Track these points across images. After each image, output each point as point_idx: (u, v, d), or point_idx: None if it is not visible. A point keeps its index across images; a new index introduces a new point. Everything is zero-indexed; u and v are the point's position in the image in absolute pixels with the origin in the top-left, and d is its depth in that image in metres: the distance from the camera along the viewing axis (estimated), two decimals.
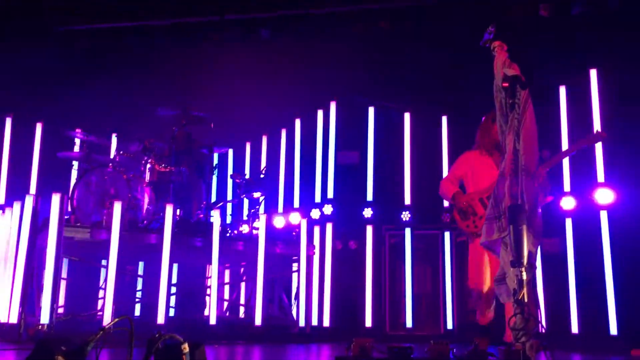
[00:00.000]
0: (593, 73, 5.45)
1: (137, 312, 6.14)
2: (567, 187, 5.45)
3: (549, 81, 5.61)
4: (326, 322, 5.60)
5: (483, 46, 2.76)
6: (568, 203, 5.40)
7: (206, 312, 5.79)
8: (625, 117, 5.42)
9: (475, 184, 4.52)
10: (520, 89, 2.24)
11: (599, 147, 5.30)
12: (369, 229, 6.02)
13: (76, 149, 6.09)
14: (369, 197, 6.20)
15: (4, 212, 5.07)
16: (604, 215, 5.25)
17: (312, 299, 5.51)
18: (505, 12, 6.40)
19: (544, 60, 5.82)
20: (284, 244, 5.71)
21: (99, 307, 5.48)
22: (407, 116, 6.33)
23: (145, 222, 5.50)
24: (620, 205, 5.23)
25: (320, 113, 6.54)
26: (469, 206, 4.37)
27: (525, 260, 2.14)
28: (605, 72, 5.47)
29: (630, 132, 5.42)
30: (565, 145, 5.45)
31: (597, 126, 4.87)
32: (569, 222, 5.40)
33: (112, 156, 6.10)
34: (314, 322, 5.50)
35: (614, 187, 5.25)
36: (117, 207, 4.78)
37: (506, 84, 2.27)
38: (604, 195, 5.24)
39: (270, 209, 6.48)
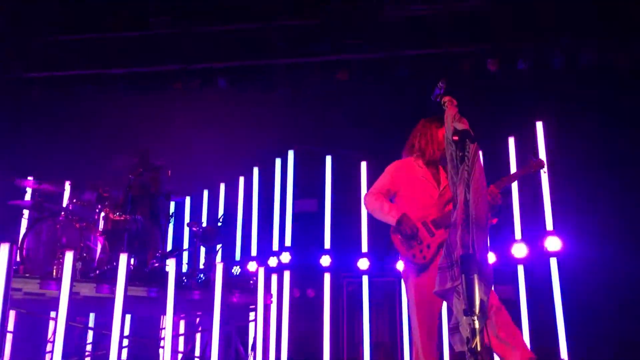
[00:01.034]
0: (539, 125, 5.71)
1: None
2: (518, 235, 5.61)
3: (498, 132, 5.85)
4: None
5: (434, 100, 2.89)
6: (519, 250, 5.56)
7: None
8: (569, 167, 5.68)
9: (411, 201, 3.72)
10: (469, 142, 2.35)
11: (546, 195, 5.51)
12: (327, 277, 6.03)
13: (27, 197, 5.95)
14: (327, 244, 6.23)
15: None
16: (553, 262, 5.41)
17: (269, 349, 5.43)
18: (454, 66, 6.70)
19: (492, 112, 6.08)
20: (241, 293, 5.64)
21: None
22: (363, 165, 6.45)
23: (97, 271, 5.36)
24: (568, 251, 5.41)
25: (278, 161, 6.60)
26: (414, 233, 3.56)
27: (477, 309, 2.20)
28: (549, 124, 5.75)
29: (574, 181, 5.67)
30: (515, 195, 5.65)
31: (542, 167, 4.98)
32: (520, 269, 5.54)
33: (64, 204, 5.98)
34: None
35: (561, 235, 5.44)
36: (69, 257, 4.65)
37: (456, 138, 2.37)
38: (553, 243, 5.42)
39: (227, 257, 6.42)
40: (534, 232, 5.59)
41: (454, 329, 2.45)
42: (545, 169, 3.70)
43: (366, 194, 3.86)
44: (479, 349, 2.20)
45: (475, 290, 2.19)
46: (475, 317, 2.19)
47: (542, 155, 5.57)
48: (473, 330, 2.20)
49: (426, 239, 3.54)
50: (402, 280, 3.83)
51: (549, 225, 5.49)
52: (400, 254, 3.68)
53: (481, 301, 2.23)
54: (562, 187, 5.47)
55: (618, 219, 5.71)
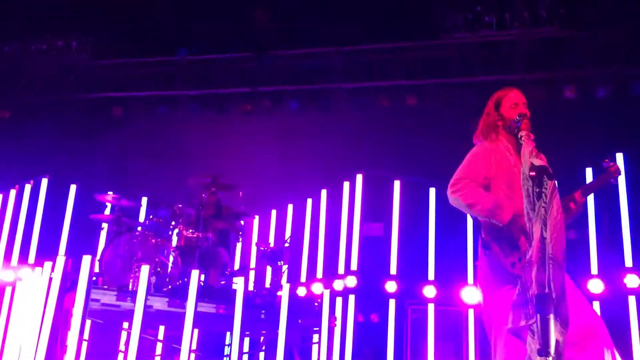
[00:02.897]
0: (619, 156, 5.49)
1: None
2: (594, 270, 5.40)
3: (576, 163, 5.67)
4: None
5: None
6: (596, 286, 5.34)
7: None
8: None
9: (508, 197, 2.99)
10: (547, 178, 2.31)
11: (626, 229, 5.28)
12: (392, 303, 5.98)
13: (107, 212, 6.25)
14: (393, 270, 6.20)
15: (34, 270, 5.18)
16: (632, 300, 5.17)
17: None
18: (529, 93, 6.56)
19: (569, 142, 5.90)
20: (305, 314, 5.69)
21: None
22: (432, 191, 6.40)
23: (170, 286, 5.55)
24: None
25: (346, 185, 6.64)
26: (519, 237, 2.85)
27: (552, 350, 2.14)
28: (630, 155, 5.52)
29: None
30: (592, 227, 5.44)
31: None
32: (596, 305, 5.32)
33: (141, 220, 6.24)
34: None
35: None
36: (145, 271, 4.84)
37: (533, 173, 2.34)
38: (632, 280, 5.18)
39: (293, 279, 6.49)
40: (610, 267, 5.36)
41: None
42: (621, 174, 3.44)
43: (455, 183, 3.07)
44: None
45: (551, 330, 2.14)
46: (550, 358, 2.13)
47: (622, 187, 5.35)
48: None
49: (523, 246, 2.81)
50: (482, 293, 3.03)
51: (628, 261, 5.26)
52: (493, 259, 2.93)
53: (556, 341, 2.17)
54: None
55: None
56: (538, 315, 2.16)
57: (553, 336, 2.18)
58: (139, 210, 6.60)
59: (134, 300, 4.77)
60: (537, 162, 2.35)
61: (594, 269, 5.39)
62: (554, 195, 2.39)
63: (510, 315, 2.43)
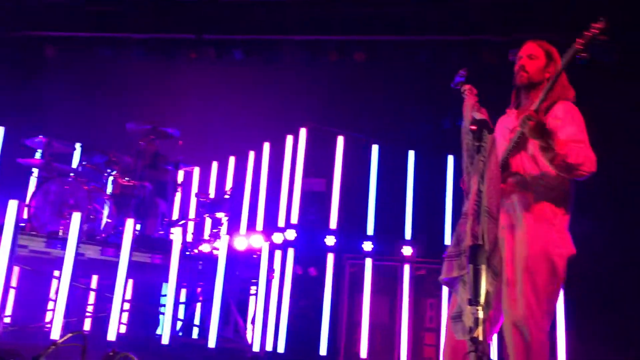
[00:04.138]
0: None
1: (86, 327, 5.99)
2: None
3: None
4: (281, 348, 5.56)
5: (454, 88, 2.85)
6: None
7: (158, 331, 5.68)
8: None
9: None
10: (487, 132, 2.32)
11: None
12: (330, 257, 6.03)
13: (37, 156, 5.97)
14: (332, 225, 6.23)
15: None
16: None
17: (268, 324, 5.46)
18: (476, 56, 6.63)
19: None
20: (244, 266, 5.67)
21: (47, 319, 5.32)
22: (375, 147, 6.41)
23: (103, 235, 5.40)
24: None
25: (289, 139, 6.57)
26: None
27: (482, 299, 2.19)
28: None
29: None
30: None
31: None
32: None
33: (74, 166, 6.00)
34: (269, 347, 5.45)
35: None
36: (76, 218, 4.68)
37: (474, 127, 2.34)
38: None
39: (233, 231, 6.44)
40: None
41: (456, 318, 2.45)
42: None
43: (589, 154, 2.80)
44: (480, 338, 2.21)
45: (482, 280, 2.18)
46: (480, 307, 2.19)
47: None
48: (476, 320, 2.20)
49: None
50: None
51: None
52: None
53: (487, 292, 2.22)
54: None
55: None
56: (471, 266, 2.20)
57: (484, 287, 2.23)
58: (72, 156, 6.33)
59: (64, 248, 4.63)
60: (478, 115, 2.36)
61: None
62: (492, 149, 2.41)
63: (443, 266, 2.47)
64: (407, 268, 5.91)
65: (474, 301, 2.19)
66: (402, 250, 6.00)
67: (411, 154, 6.44)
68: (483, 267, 2.19)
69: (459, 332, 2.45)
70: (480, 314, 2.19)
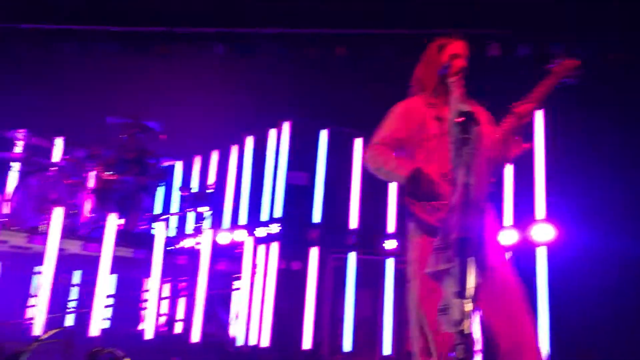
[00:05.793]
0: (539, 113, 5.67)
1: (69, 323, 5.92)
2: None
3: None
4: (264, 343, 5.55)
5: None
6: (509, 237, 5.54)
7: (141, 326, 5.63)
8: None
9: (428, 152, 2.92)
10: (473, 124, 2.33)
11: (541, 183, 5.47)
12: (314, 251, 6.03)
13: (18, 150, 5.87)
14: (316, 219, 6.22)
15: None
16: (542, 252, 5.41)
17: (251, 318, 5.45)
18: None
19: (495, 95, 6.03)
20: (227, 261, 5.64)
21: (29, 315, 5.25)
22: (358, 141, 6.41)
23: (85, 229, 5.34)
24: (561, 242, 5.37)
25: (273, 132, 6.55)
26: (436, 189, 2.75)
27: (470, 292, 2.20)
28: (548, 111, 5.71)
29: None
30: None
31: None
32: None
33: (55, 160, 5.92)
34: (252, 341, 5.44)
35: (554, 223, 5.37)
36: (58, 213, 4.63)
37: (460, 119, 2.35)
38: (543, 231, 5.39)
39: (216, 225, 6.41)
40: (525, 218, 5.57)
41: (443, 311, 2.46)
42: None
43: (366, 148, 3.04)
44: (467, 332, 2.22)
45: (470, 273, 2.19)
46: (467, 301, 2.20)
47: (539, 141, 5.51)
48: (463, 313, 2.21)
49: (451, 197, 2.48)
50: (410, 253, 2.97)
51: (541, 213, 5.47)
52: (421, 220, 2.81)
53: (474, 284, 2.23)
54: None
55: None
56: (458, 258, 2.21)
57: (471, 280, 2.24)
58: (52, 150, 6.24)
59: (45, 243, 4.57)
60: (465, 107, 2.37)
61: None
62: (479, 141, 2.42)
63: (431, 258, 2.48)
64: (390, 262, 5.94)
65: (461, 294, 2.20)
66: (385, 245, 6.01)
67: None
68: (471, 260, 2.20)
69: (446, 325, 2.46)
70: (467, 307, 2.20)
